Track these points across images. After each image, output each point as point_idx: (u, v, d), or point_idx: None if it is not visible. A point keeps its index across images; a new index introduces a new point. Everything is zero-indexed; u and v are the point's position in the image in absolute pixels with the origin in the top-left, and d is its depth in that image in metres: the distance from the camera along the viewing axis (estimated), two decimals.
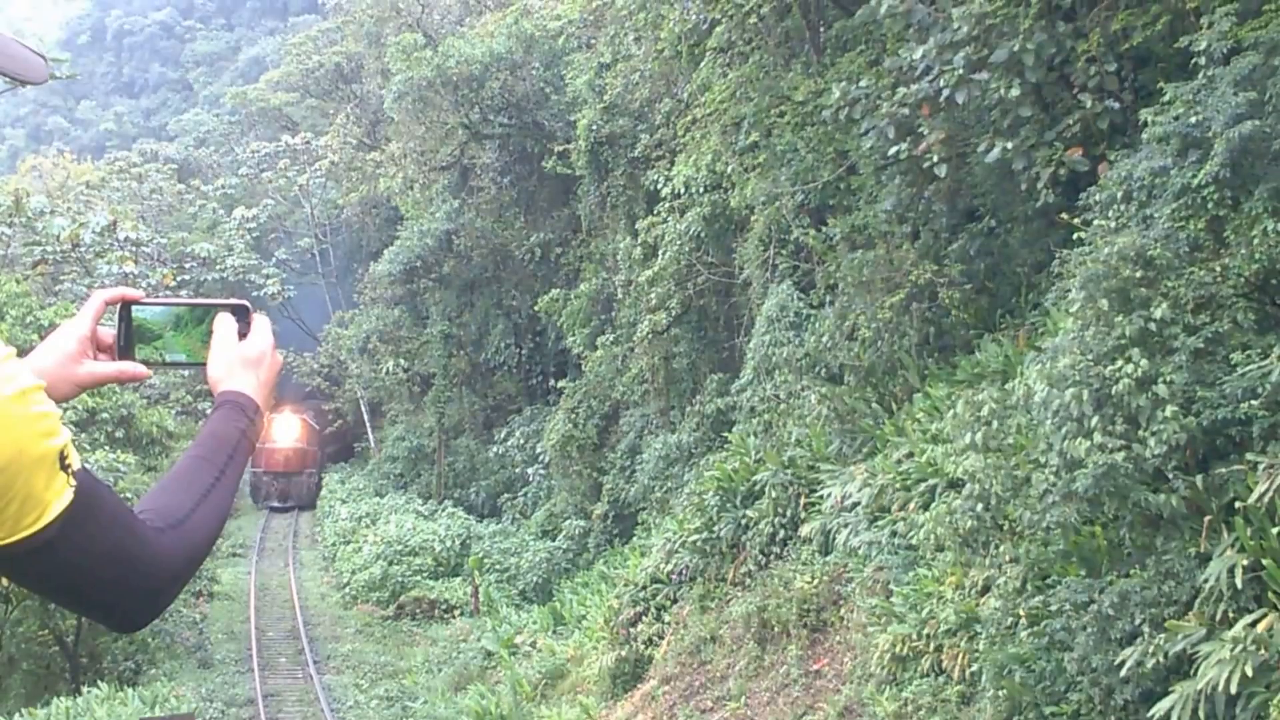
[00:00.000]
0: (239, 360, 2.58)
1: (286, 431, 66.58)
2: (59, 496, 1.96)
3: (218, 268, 64.99)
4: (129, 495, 26.00)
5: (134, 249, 52.44)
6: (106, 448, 30.75)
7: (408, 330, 57.85)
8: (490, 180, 51.14)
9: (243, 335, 2.63)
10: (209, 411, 2.51)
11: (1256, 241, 13.41)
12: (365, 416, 66.20)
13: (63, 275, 48.76)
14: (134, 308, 2.62)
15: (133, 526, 2.11)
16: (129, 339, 2.61)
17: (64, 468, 1.97)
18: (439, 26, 55.13)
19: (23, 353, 2.14)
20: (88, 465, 2.01)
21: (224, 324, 2.62)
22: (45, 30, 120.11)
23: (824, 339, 24.02)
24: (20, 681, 32.76)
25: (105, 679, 30.80)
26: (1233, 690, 11.61)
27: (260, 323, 2.68)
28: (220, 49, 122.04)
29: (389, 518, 47.49)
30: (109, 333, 2.59)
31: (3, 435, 1.88)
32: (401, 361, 57.38)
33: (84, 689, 29.37)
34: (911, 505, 18.57)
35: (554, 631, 31.08)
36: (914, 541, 17.92)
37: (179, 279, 56.35)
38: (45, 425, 1.95)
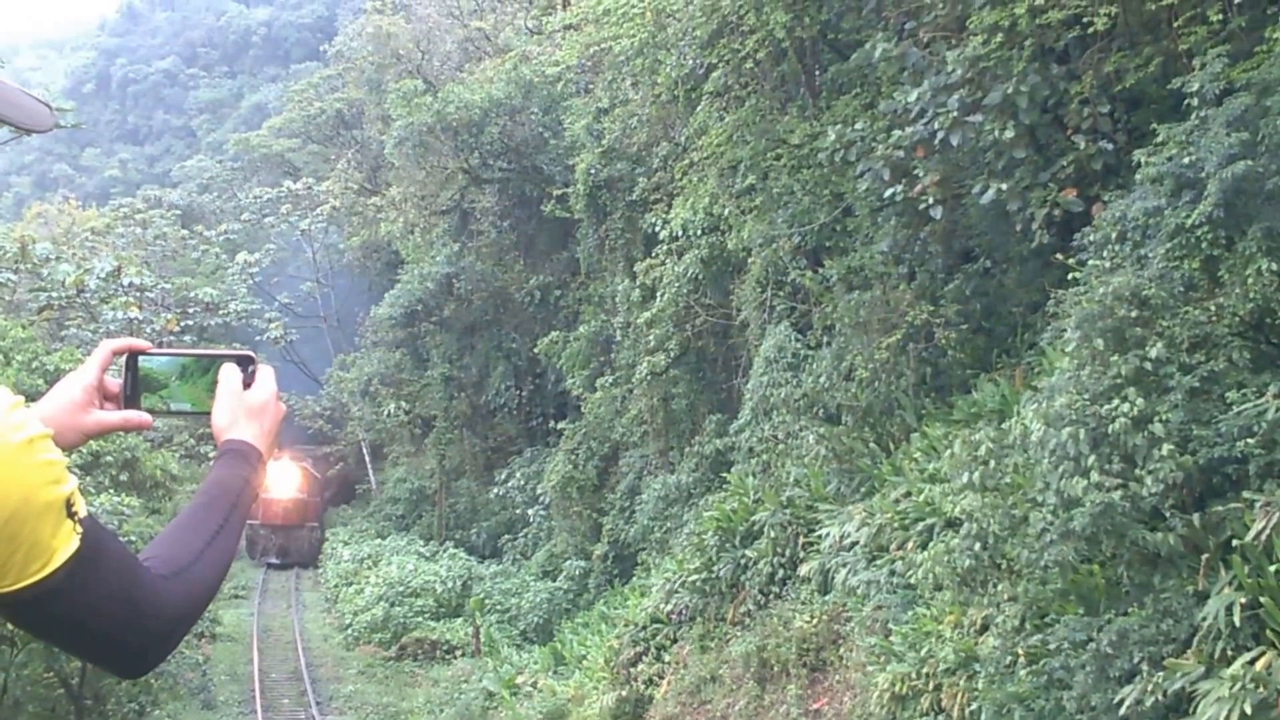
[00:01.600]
0: (243, 410, 2.60)
1: (285, 481, 61.55)
2: (66, 544, 1.98)
3: (221, 313, 64.83)
4: (134, 538, 26.00)
5: (138, 294, 52.33)
6: (111, 491, 30.64)
7: (409, 373, 57.92)
8: (490, 224, 51.25)
9: (247, 385, 2.66)
10: (213, 459, 2.56)
11: (1251, 281, 13.39)
12: (367, 459, 65.96)
13: (68, 321, 48.69)
14: (140, 358, 2.66)
15: (138, 573, 2.13)
16: (135, 388, 2.64)
17: (70, 515, 1.99)
18: (439, 73, 55.32)
19: (30, 400, 2.15)
20: (93, 510, 2.01)
21: (229, 374, 2.65)
22: (51, 79, 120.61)
23: (821, 379, 24.01)
24: None
25: None
26: None
27: (264, 373, 2.71)
28: (223, 96, 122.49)
29: (391, 559, 47.46)
30: (115, 382, 2.62)
31: (10, 482, 1.89)
32: (403, 404, 57.43)
33: None
34: (909, 544, 18.50)
35: (555, 672, 30.97)
36: (912, 580, 17.85)
37: (182, 324, 56.31)
38: (52, 473, 1.96)
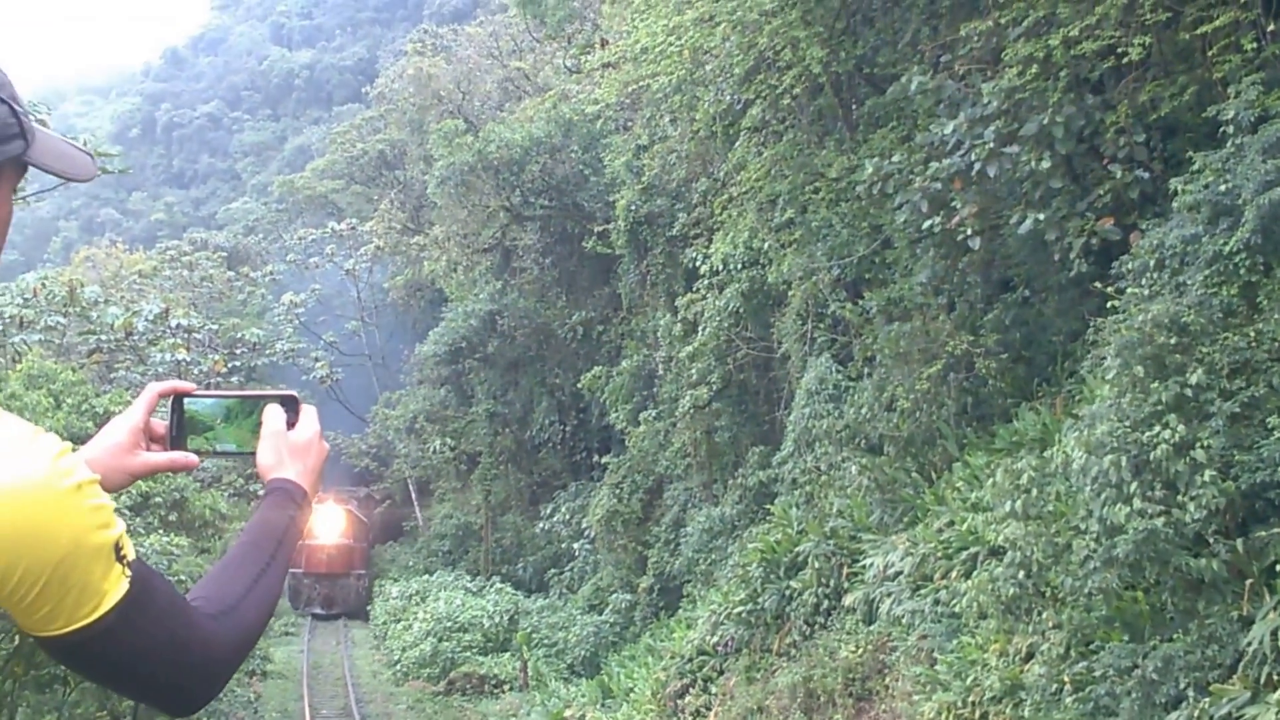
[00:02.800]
0: (288, 449, 2.63)
1: (330, 527, 57.65)
2: (115, 587, 2.00)
3: (267, 352, 65.17)
4: (183, 578, 26.07)
5: (186, 336, 52.67)
6: (160, 531, 30.73)
7: (453, 410, 57.98)
8: (532, 261, 51.37)
9: (291, 425, 2.69)
10: (259, 497, 2.59)
11: None
12: (413, 495, 65.84)
13: (117, 363, 48.87)
14: (186, 400, 2.69)
15: (187, 613, 2.15)
16: (181, 430, 2.67)
17: (119, 559, 2.01)
18: (479, 113, 55.56)
19: (79, 442, 2.26)
20: (142, 551, 2.08)
21: (273, 415, 2.68)
22: (97, 124, 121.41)
23: (863, 410, 23.98)
24: None
25: None
26: None
27: (308, 413, 2.74)
28: (267, 139, 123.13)
29: (438, 595, 47.43)
30: (161, 424, 2.65)
31: (60, 528, 1.92)
32: (448, 440, 57.46)
33: None
34: (953, 574, 18.46)
35: (603, 705, 30.92)
36: (957, 609, 17.80)
37: (230, 364, 56.53)
38: (101, 518, 1.99)
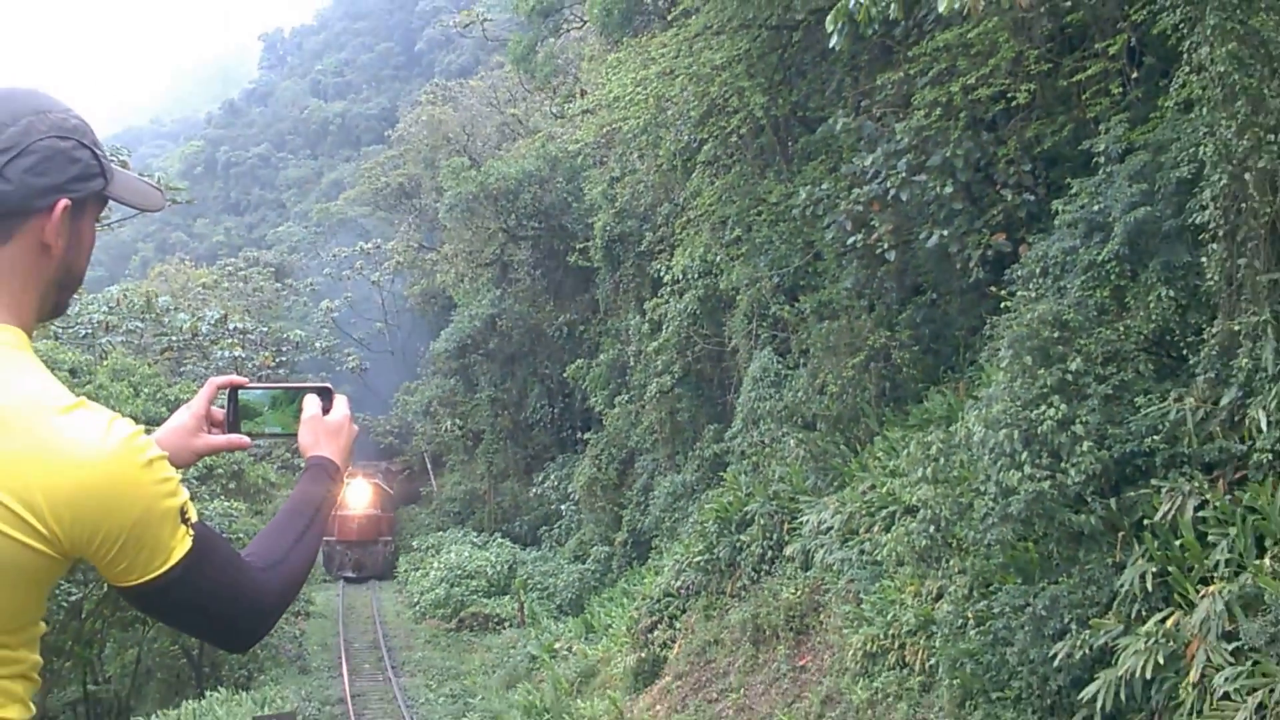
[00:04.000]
0: (323, 431, 2.68)
1: (359, 499, 54.83)
2: (181, 544, 2.08)
3: (308, 350, 64.99)
4: (240, 536, 25.99)
5: (241, 336, 52.65)
6: (221, 497, 30.72)
7: (461, 396, 57.77)
8: (525, 273, 51.15)
9: (326, 411, 2.73)
10: (301, 470, 2.62)
11: (1152, 305, 13.35)
12: (429, 467, 65.60)
13: (185, 359, 48.76)
14: (240, 391, 2.74)
15: (241, 566, 2.22)
16: (236, 416, 2.71)
17: (184, 521, 2.09)
18: (481, 151, 55.34)
19: (153, 426, 2.42)
20: (205, 514, 2.11)
21: (311, 402, 2.73)
22: (168, 164, 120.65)
23: (799, 394, 23.91)
24: (156, 688, 32.92)
25: (224, 685, 30.78)
26: (1148, 676, 11.44)
27: (339, 400, 2.77)
28: (307, 174, 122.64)
29: (450, 548, 47.27)
30: (220, 411, 2.71)
31: (135, 496, 2.00)
32: (457, 421, 57.31)
33: (207, 693, 29.23)
34: (875, 528, 18.38)
35: (586, 638, 30.78)
36: (878, 558, 17.73)
37: (277, 359, 56.48)
38: (169, 487, 2.06)
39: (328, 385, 2.81)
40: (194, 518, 2.12)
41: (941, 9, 12.68)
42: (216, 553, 2.14)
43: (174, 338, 47.87)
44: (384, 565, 54.55)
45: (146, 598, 2.11)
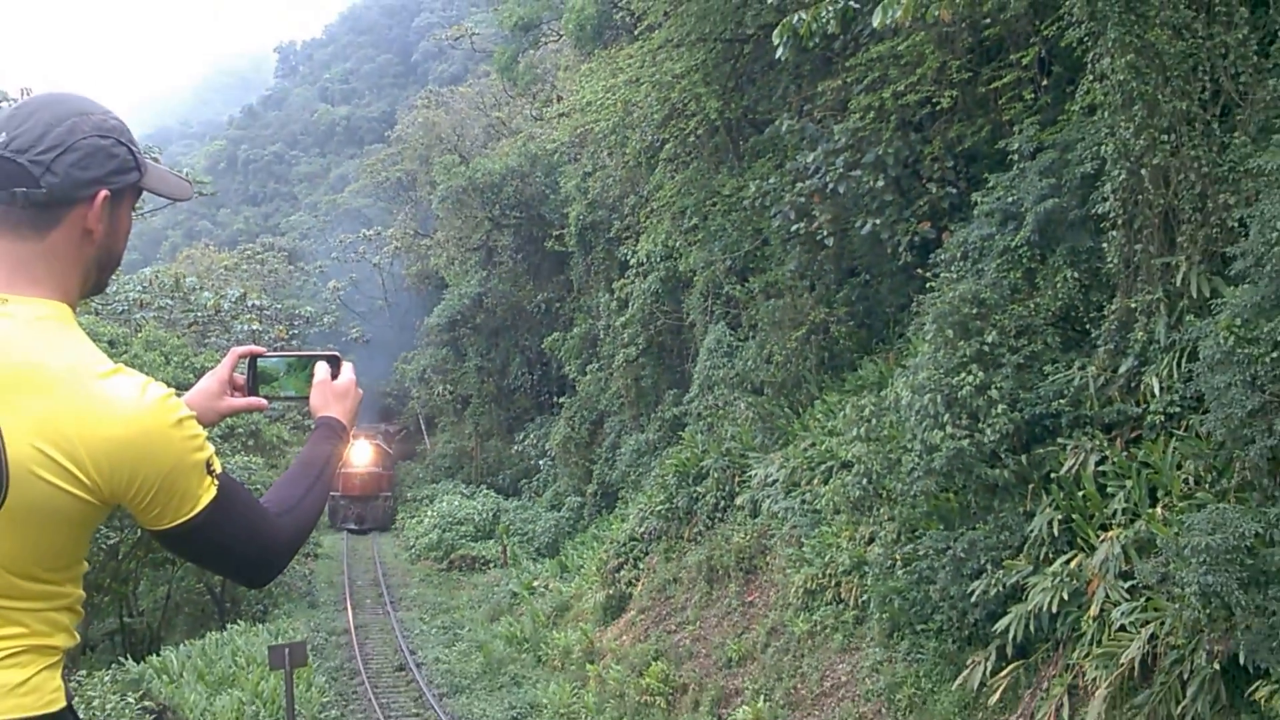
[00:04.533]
0: (332, 394, 2.69)
1: (362, 457, 53.26)
2: (207, 493, 2.10)
3: (317, 323, 64.61)
4: (258, 487, 25.74)
5: (258, 312, 52.38)
6: (242, 453, 30.56)
7: (452, 364, 57.45)
8: (508, 256, 50.84)
9: (334, 376, 2.73)
10: (312, 429, 2.62)
11: (1059, 285, 13.32)
12: (423, 427, 65.21)
13: (209, 332, 48.37)
14: (259, 359, 2.75)
15: (259, 512, 2.23)
16: (255, 381, 2.74)
17: (210, 472, 2.11)
18: (470, 149, 54.98)
19: (182, 390, 2.38)
20: (227, 467, 2.11)
21: (321, 369, 2.73)
22: (195, 161, 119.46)
23: (748, 363, 23.84)
24: (183, 621, 32.90)
25: (243, 618, 30.74)
26: (1054, 610, 11.49)
27: (346, 367, 2.77)
28: (316, 169, 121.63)
29: (441, 498, 47.14)
30: (240, 377, 2.72)
31: (168, 450, 2.03)
32: (448, 386, 57.07)
33: (228, 625, 29.12)
34: (815, 481, 18.34)
35: (561, 577, 30.74)
36: (818, 507, 17.70)
37: (290, 332, 56.10)
38: (196, 442, 2.08)
39: (336, 354, 2.79)
40: (218, 469, 2.14)
41: (875, 24, 12.55)
42: (238, 500, 2.17)
43: (199, 313, 47.62)
44: (384, 518, 52.99)
45: (177, 540, 2.14)
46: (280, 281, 74.19)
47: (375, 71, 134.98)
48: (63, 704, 2.07)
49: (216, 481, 2.12)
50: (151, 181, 2.32)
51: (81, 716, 2.29)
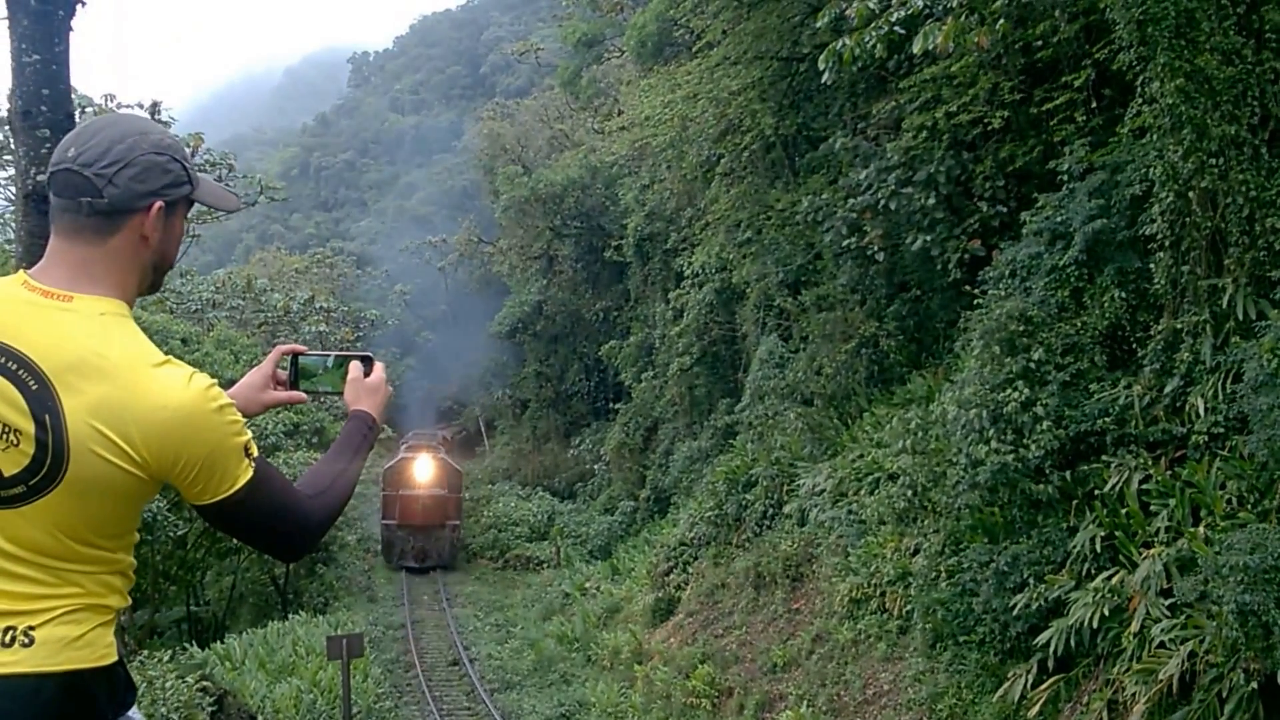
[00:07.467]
0: (364, 390, 2.80)
1: (423, 475, 41.99)
2: (245, 473, 2.24)
3: (381, 326, 65.15)
4: None
5: (326, 314, 52.68)
6: (305, 449, 30.85)
7: (511, 369, 57.74)
8: (568, 266, 51.05)
9: (367, 374, 2.83)
10: (346, 421, 2.76)
11: (1106, 305, 13.20)
12: (482, 429, 65.52)
13: (278, 333, 48.72)
14: (299, 357, 2.86)
15: (293, 492, 2.38)
16: (296, 377, 2.86)
17: (247, 454, 2.26)
18: (533, 160, 55.19)
19: (233, 384, 2.68)
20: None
21: (355, 367, 2.84)
22: (269, 167, 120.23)
23: (799, 374, 23.79)
24: (247, 610, 33.19)
25: (304, 609, 30.96)
26: (1095, 625, 11.38)
27: (378, 367, 2.87)
28: (385, 177, 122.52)
29: (499, 499, 47.32)
30: (282, 373, 2.86)
31: (211, 434, 2.18)
32: (507, 391, 57.37)
33: (289, 616, 29.38)
34: (862, 491, 18.26)
35: (612, 579, 30.77)
36: (864, 517, 17.62)
37: (356, 335, 56.48)
38: (235, 427, 2.24)
39: (369, 354, 2.89)
40: (255, 453, 2.28)
41: (915, 50, 12.58)
42: (272, 481, 2.31)
43: (269, 314, 48.01)
44: (449, 553, 41.76)
45: (217, 514, 2.27)
46: (348, 285, 74.80)
47: (444, 83, 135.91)
48: (114, 659, 2.26)
49: (253, 464, 2.27)
50: (202, 193, 2.47)
51: (139, 690, 2.40)
